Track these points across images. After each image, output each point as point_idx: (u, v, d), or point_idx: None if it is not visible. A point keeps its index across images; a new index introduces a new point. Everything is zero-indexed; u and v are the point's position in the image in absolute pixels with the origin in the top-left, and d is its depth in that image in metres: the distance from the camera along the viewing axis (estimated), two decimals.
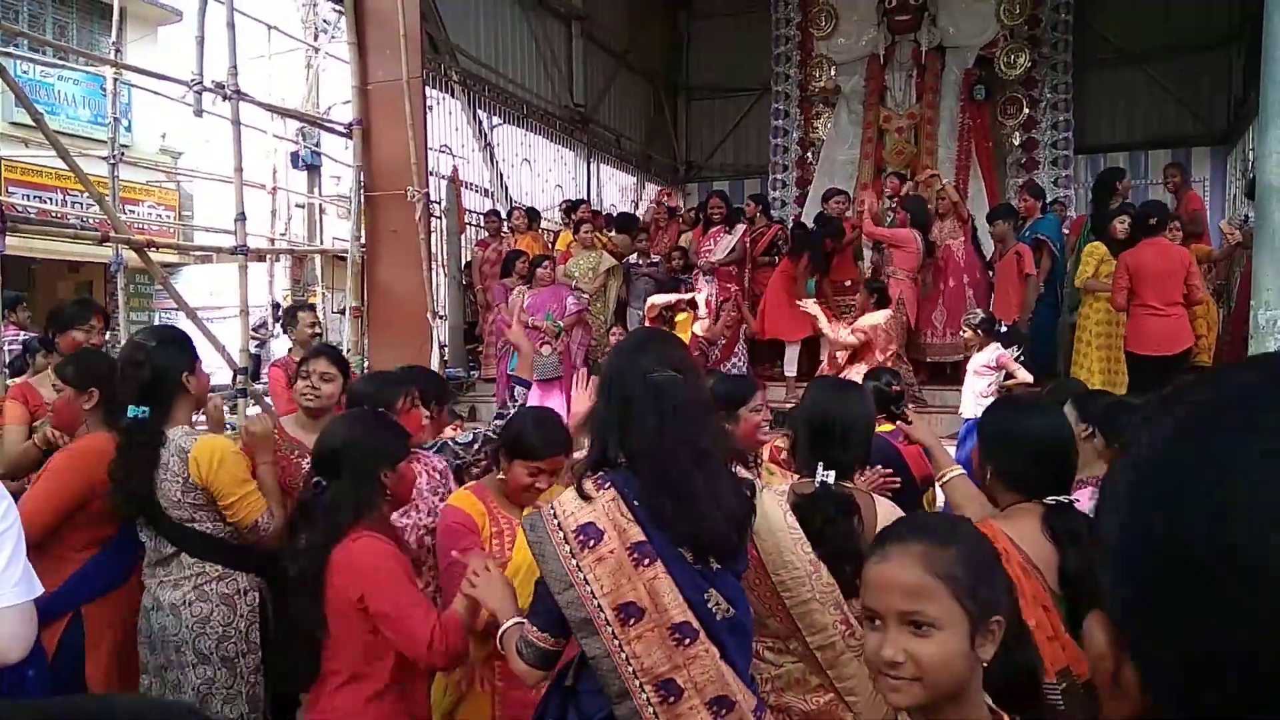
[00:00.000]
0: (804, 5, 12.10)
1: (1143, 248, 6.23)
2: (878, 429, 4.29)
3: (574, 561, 1.86)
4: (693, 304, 7.58)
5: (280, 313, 11.71)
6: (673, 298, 7.67)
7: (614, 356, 2.12)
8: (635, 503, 1.89)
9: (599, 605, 1.84)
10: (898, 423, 3.19)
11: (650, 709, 1.82)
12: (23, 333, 7.17)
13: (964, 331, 6.13)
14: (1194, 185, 9.97)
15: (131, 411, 2.78)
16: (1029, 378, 5.87)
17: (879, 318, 6.44)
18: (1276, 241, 4.80)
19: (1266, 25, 4.84)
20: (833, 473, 2.40)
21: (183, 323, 7.09)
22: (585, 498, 1.91)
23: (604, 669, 1.84)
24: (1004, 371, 5.88)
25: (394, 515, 2.72)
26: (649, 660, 1.82)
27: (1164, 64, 12.12)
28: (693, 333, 7.48)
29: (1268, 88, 4.86)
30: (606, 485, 1.91)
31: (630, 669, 1.82)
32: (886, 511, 2.46)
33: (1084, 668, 1.99)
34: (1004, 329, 6.19)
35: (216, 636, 2.79)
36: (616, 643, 1.83)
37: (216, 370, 9.97)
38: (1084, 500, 2.83)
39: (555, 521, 1.90)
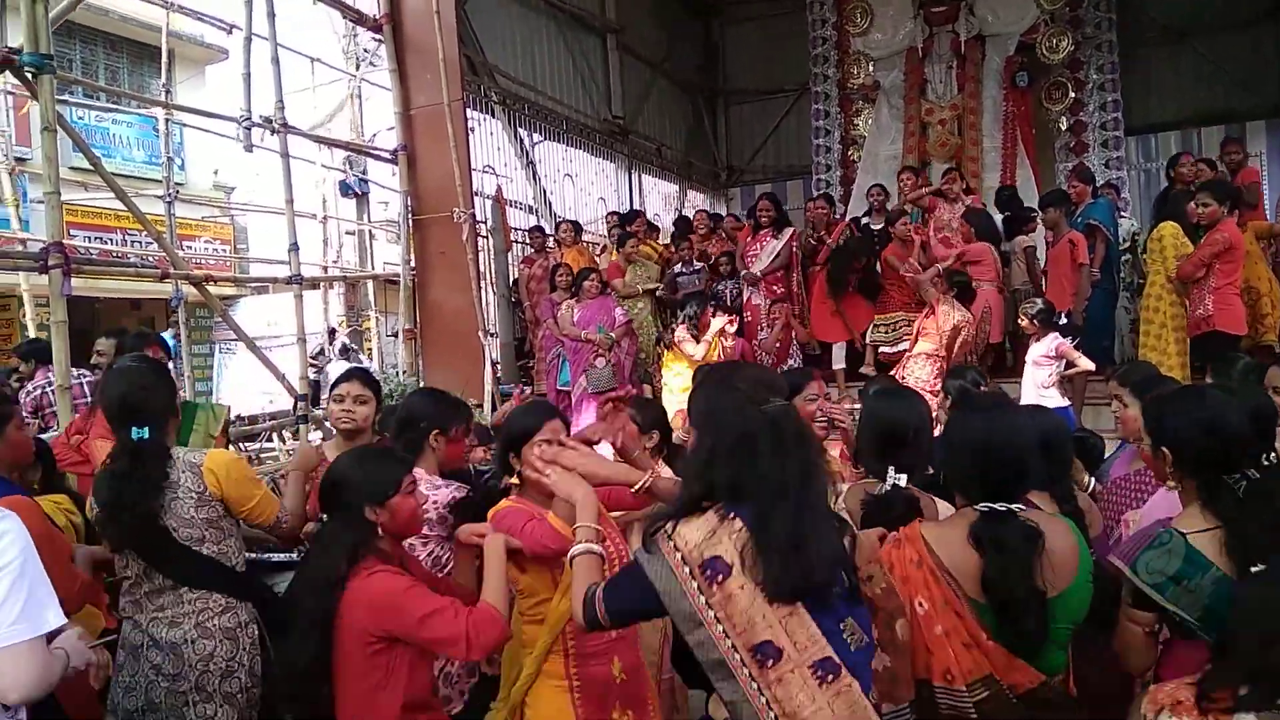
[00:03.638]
0: (839, 3, 11.99)
1: (1228, 226, 5.99)
2: None
3: (702, 599, 1.75)
4: (730, 323, 7.44)
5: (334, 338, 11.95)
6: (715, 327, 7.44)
7: (708, 391, 2.06)
8: None
9: (733, 646, 1.73)
10: None
11: None
12: None
13: (1022, 321, 6.02)
14: (1250, 160, 9.67)
15: (135, 433, 2.69)
16: (1090, 366, 5.77)
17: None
18: None
19: None
20: (904, 475, 2.43)
21: (242, 353, 7.18)
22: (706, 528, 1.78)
23: (744, 714, 1.74)
24: (1064, 361, 5.78)
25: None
26: (791, 704, 1.70)
27: (1212, 39, 11.82)
28: (746, 342, 7.48)
29: None
30: (732, 516, 1.78)
31: (772, 714, 1.71)
32: (945, 511, 2.44)
33: (1016, 677, 1.93)
34: (1063, 319, 6.07)
35: (220, 673, 2.69)
36: (755, 686, 1.72)
37: (277, 397, 10.19)
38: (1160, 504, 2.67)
39: (679, 555, 1.78)
